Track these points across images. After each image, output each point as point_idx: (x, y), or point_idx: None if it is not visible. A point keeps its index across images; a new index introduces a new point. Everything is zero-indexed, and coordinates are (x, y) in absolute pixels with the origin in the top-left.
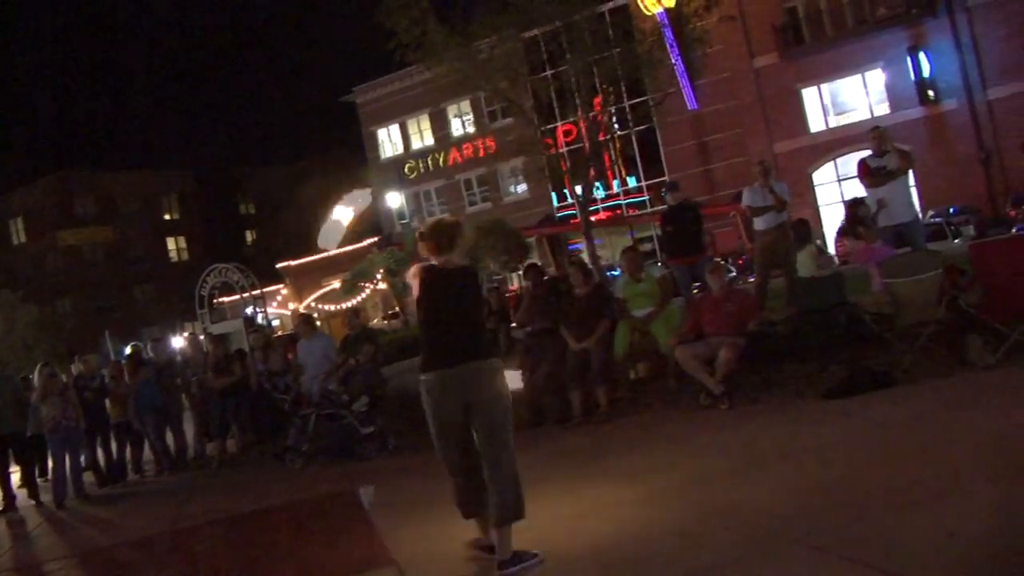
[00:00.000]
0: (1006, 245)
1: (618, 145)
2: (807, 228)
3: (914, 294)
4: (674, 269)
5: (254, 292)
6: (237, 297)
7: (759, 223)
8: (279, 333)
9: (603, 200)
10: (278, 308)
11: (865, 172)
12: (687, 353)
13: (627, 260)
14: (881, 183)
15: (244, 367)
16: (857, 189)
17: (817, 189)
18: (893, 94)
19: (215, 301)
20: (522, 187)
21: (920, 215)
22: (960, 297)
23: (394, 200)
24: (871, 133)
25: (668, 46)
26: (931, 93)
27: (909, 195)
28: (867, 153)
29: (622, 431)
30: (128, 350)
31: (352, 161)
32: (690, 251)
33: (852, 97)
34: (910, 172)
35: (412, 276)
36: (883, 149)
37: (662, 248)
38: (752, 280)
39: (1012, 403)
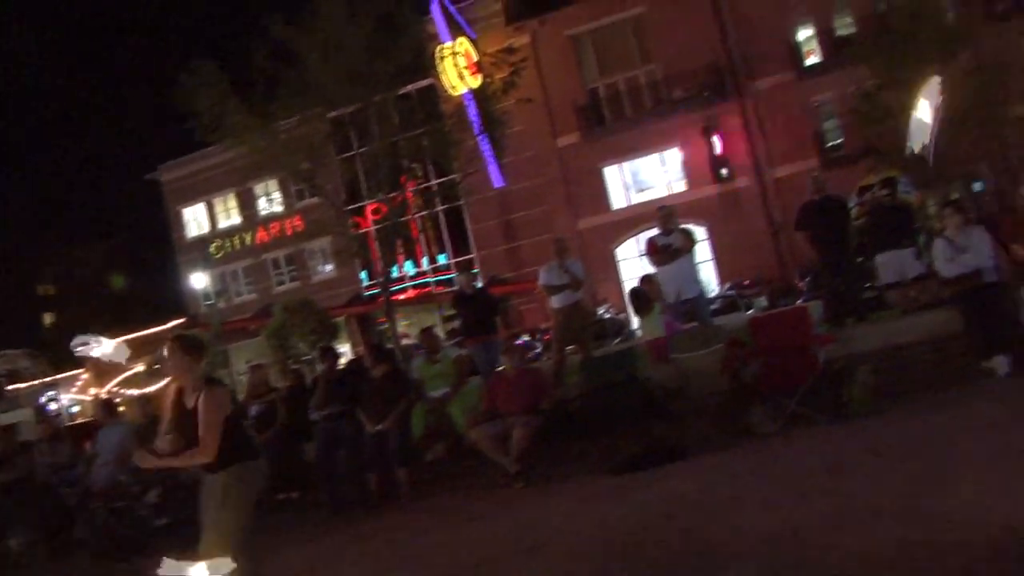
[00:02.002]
0: (781, 318)
1: (426, 223)
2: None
3: (700, 367)
4: (470, 349)
5: (45, 379)
6: (29, 384)
7: (555, 301)
8: (78, 420)
9: (412, 278)
10: (78, 394)
11: (652, 250)
12: (482, 433)
13: (424, 340)
14: (668, 260)
15: (30, 460)
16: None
17: (620, 264)
18: (690, 172)
19: (7, 388)
20: (331, 266)
21: (704, 291)
22: (742, 369)
23: (199, 280)
24: (659, 213)
25: (473, 125)
26: (724, 171)
27: (695, 272)
28: (656, 232)
29: (419, 513)
30: None
31: (158, 240)
32: (483, 331)
33: (652, 175)
34: (695, 249)
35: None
36: (669, 228)
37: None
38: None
39: (787, 470)
